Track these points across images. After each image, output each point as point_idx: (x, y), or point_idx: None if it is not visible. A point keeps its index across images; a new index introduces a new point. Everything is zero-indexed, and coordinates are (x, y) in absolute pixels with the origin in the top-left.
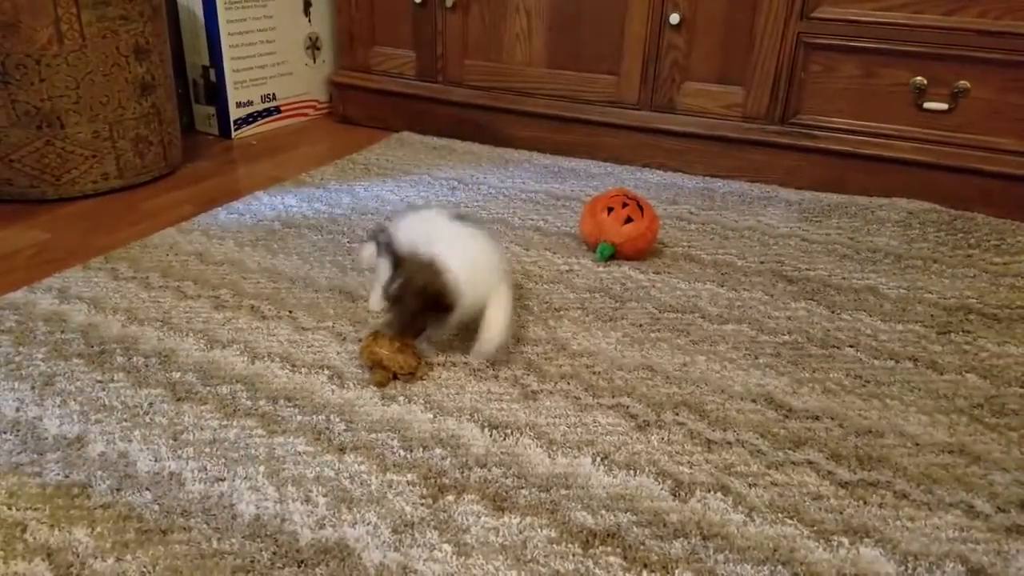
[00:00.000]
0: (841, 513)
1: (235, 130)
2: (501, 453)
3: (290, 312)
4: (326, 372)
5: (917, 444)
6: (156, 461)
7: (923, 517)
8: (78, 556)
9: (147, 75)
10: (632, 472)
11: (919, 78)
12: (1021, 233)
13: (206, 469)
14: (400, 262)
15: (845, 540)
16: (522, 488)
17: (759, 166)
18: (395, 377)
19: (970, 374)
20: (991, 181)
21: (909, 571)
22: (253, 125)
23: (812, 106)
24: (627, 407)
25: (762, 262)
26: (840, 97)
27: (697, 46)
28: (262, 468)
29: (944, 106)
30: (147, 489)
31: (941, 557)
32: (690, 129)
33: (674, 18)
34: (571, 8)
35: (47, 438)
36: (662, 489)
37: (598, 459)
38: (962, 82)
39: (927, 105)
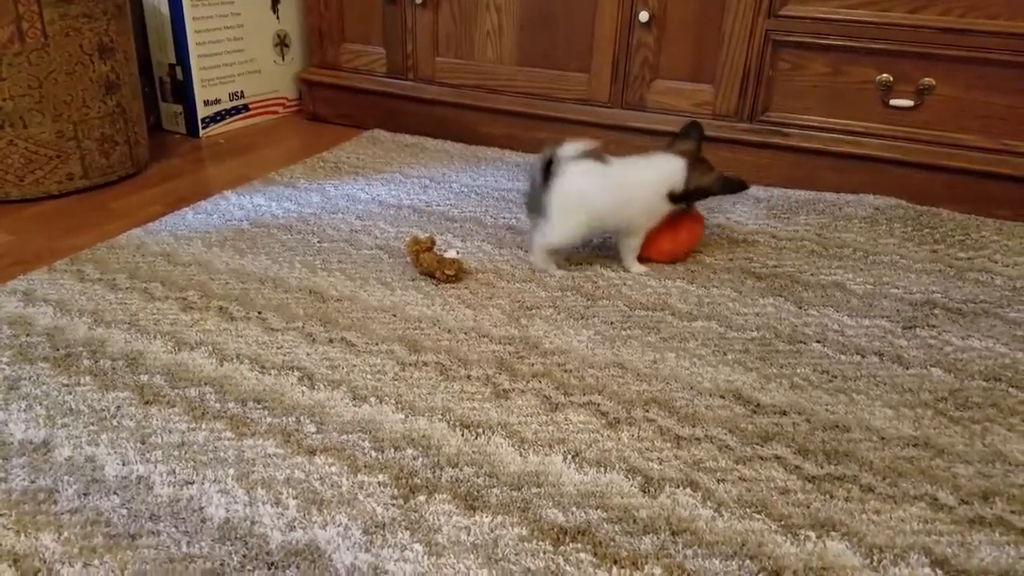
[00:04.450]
0: (808, 507)
1: (203, 128)
2: (473, 452)
3: (259, 313)
4: (296, 373)
5: (883, 438)
6: (124, 465)
7: (888, 510)
8: (45, 562)
9: (112, 73)
10: (602, 469)
11: (885, 75)
12: (985, 228)
13: (175, 472)
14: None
15: (812, 534)
16: (493, 487)
17: (728, 163)
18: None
19: (935, 368)
20: (957, 177)
21: (875, 563)
22: (221, 123)
23: (781, 103)
24: (598, 405)
25: (731, 259)
26: (808, 94)
27: (667, 44)
28: (231, 471)
29: (910, 103)
30: (115, 493)
31: (906, 549)
32: (661, 127)
33: (643, 16)
34: (541, 6)
35: (12, 443)
36: (632, 486)
37: (569, 457)
38: (927, 79)
39: (893, 102)
